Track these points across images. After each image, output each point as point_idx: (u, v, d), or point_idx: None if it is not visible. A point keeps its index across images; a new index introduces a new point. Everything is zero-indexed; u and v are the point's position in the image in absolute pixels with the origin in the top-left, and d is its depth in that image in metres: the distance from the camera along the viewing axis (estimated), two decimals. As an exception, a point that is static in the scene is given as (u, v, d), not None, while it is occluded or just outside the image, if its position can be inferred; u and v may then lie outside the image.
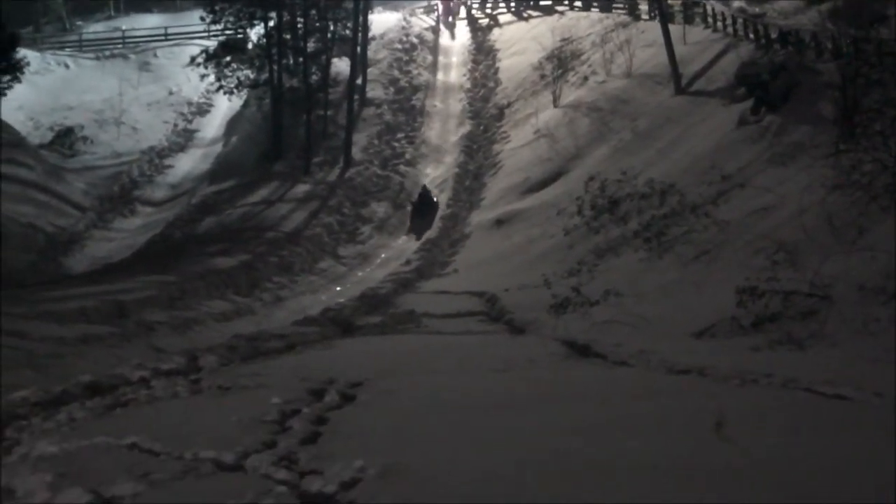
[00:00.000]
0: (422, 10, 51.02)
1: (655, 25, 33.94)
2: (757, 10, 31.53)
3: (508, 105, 39.11)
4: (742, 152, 22.50)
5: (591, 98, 34.22)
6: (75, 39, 51.81)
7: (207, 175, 37.89)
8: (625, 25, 38.41)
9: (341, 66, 39.87)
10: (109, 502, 3.59)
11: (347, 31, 39.67)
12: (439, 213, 31.80)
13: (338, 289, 25.22)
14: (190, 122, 44.08)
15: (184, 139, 42.47)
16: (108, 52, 50.03)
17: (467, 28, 49.00)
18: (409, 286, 23.08)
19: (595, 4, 42.82)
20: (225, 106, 43.25)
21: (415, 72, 43.84)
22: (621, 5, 41.13)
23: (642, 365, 7.44)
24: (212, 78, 39.36)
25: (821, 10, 26.68)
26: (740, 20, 31.01)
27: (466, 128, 38.78)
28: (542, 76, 38.17)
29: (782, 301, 10.91)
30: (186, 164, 39.91)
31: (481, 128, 38.44)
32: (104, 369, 8.00)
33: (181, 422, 5.27)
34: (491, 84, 41.97)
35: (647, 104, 31.18)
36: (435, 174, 35.69)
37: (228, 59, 38.51)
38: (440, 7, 49.97)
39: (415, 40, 46.87)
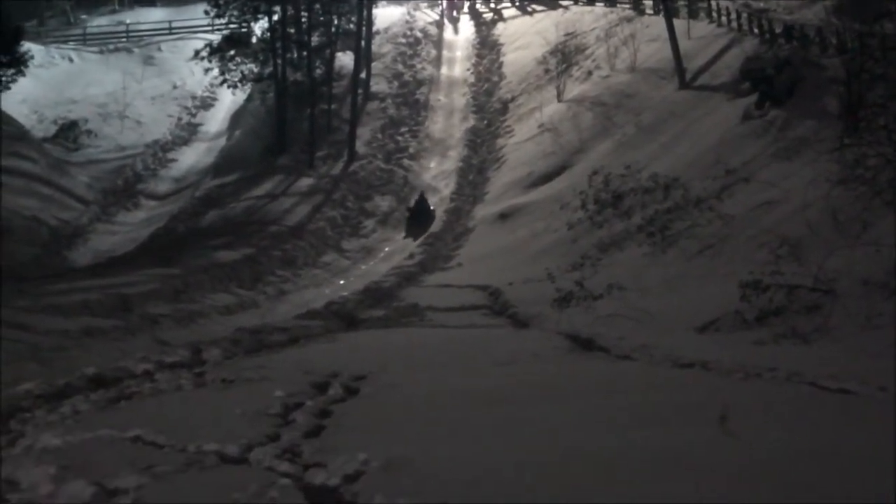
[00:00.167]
0: (426, 4, 51.00)
1: (660, 20, 33.92)
2: (762, 4, 31.54)
3: (512, 99, 39.10)
4: (746, 147, 22.45)
5: (595, 92, 34.19)
6: (79, 33, 51.92)
7: (211, 169, 37.93)
8: (629, 20, 38.39)
9: (345, 60, 39.91)
10: (113, 494, 3.59)
11: (351, 26, 39.73)
12: (441, 209, 31.65)
13: (341, 282, 25.23)
14: (194, 115, 44.11)
15: (188, 133, 42.51)
16: (112, 46, 50.09)
17: (471, 22, 49.00)
18: (413, 280, 23.09)
19: (599, -1, 42.86)
20: (229, 100, 43.28)
21: (419, 66, 43.83)
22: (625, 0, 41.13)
23: (646, 359, 7.42)
24: (216, 72, 39.48)
25: (825, 5, 26.66)
26: (745, 15, 31.01)
27: (470, 122, 38.77)
28: (546, 70, 38.15)
29: (786, 295, 10.90)
30: (190, 158, 39.94)
31: (485, 122, 38.43)
32: (108, 362, 7.99)
33: (185, 415, 5.27)
34: (495, 78, 41.95)
35: (652, 99, 31.14)
36: (439, 168, 35.67)
37: (232, 52, 38.60)
38: (444, 1, 49.95)
39: (419, 34, 46.86)
